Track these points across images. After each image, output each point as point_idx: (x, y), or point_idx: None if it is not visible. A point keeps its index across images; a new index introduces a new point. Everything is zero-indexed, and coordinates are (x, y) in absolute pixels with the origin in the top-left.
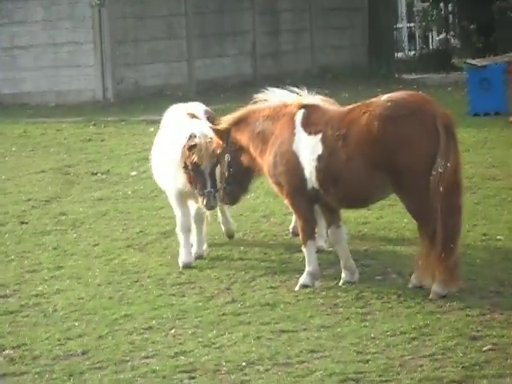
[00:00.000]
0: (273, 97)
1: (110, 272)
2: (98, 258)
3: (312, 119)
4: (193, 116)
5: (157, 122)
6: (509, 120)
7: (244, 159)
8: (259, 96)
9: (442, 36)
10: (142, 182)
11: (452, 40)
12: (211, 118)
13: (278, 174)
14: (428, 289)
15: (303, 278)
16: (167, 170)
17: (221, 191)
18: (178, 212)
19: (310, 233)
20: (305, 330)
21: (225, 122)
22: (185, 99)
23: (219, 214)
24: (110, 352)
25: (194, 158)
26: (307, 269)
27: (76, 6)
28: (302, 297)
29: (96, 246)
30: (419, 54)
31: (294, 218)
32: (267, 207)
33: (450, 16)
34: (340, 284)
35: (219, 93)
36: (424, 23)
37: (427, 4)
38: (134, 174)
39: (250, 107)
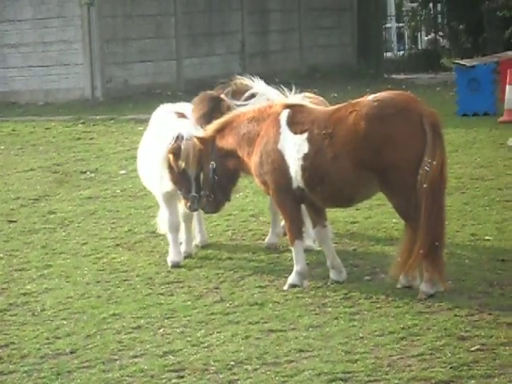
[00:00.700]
0: (256, 86)
1: (98, 271)
2: (86, 257)
3: (297, 118)
4: (181, 116)
5: (145, 121)
6: (498, 120)
7: (231, 164)
8: (243, 80)
9: (430, 36)
10: (130, 180)
11: (441, 40)
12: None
13: (263, 173)
14: (417, 289)
15: (292, 278)
16: (153, 169)
17: (203, 199)
18: (166, 211)
19: (297, 232)
20: (293, 329)
21: (209, 129)
22: (173, 98)
23: (195, 223)
24: (98, 351)
25: (182, 163)
26: (295, 268)
27: (65, 4)
28: (290, 296)
29: (84, 245)
30: (408, 54)
31: None
32: (256, 206)
33: (439, 16)
34: (328, 283)
35: None
36: (413, 23)
37: (416, 4)
38: (122, 172)
39: (234, 112)
